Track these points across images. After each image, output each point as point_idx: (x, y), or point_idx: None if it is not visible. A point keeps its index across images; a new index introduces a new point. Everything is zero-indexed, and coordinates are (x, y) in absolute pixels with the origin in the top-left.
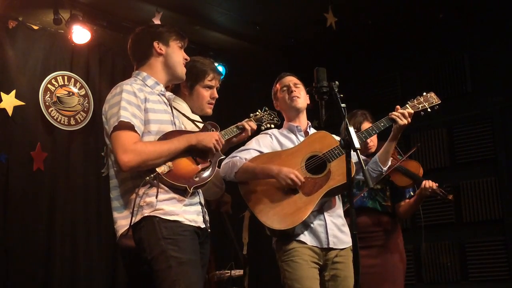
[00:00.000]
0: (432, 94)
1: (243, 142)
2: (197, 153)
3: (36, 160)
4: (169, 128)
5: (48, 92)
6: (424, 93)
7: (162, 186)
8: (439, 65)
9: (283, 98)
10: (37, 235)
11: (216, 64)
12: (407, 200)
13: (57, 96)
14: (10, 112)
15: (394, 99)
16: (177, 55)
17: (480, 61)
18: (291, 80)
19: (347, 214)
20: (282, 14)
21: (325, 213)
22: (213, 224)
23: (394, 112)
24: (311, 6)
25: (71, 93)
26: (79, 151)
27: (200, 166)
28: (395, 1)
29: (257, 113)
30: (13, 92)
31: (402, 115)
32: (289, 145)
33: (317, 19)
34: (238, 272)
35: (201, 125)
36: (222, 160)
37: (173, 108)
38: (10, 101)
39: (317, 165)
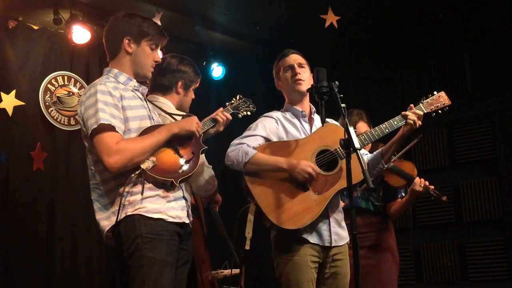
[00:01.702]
0: (443, 94)
1: (222, 133)
2: (180, 144)
3: (36, 160)
4: (148, 123)
5: (48, 92)
6: (435, 93)
7: (147, 183)
8: (439, 65)
9: (286, 79)
10: (37, 235)
11: (217, 64)
12: (398, 200)
13: (57, 96)
14: (10, 112)
15: (394, 99)
16: (146, 57)
17: (480, 61)
18: (295, 59)
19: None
20: (282, 14)
21: (329, 211)
22: (209, 224)
23: (409, 114)
24: (311, 6)
25: (71, 93)
26: (79, 151)
27: (184, 158)
28: (395, 1)
29: (233, 101)
30: (13, 92)
31: (416, 117)
32: (294, 131)
33: (317, 19)
34: (233, 271)
35: (179, 118)
36: (204, 150)
37: (147, 102)
38: (10, 101)
39: (328, 161)
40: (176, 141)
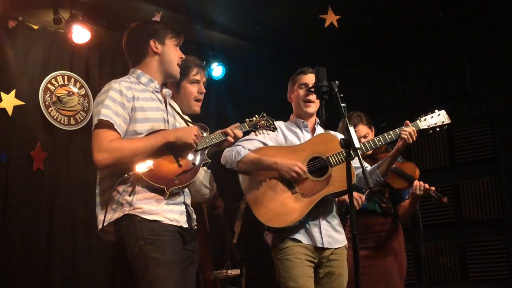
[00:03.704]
0: (443, 113)
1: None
2: (182, 153)
3: (36, 160)
4: (162, 126)
5: (48, 92)
6: (436, 111)
7: (141, 185)
8: (439, 65)
9: (298, 95)
10: (37, 235)
11: (217, 64)
12: (407, 201)
13: (57, 96)
14: (10, 112)
15: (394, 99)
16: (173, 53)
17: (480, 61)
18: (312, 79)
19: (346, 213)
20: (282, 14)
21: (320, 214)
22: (211, 223)
23: (404, 130)
24: (311, 6)
25: (71, 93)
26: (79, 151)
27: (182, 168)
28: (395, 1)
29: (253, 118)
30: (13, 92)
31: (410, 134)
32: (294, 139)
33: (317, 19)
34: (235, 271)
35: (190, 125)
36: (207, 163)
37: (168, 105)
38: (10, 101)
39: (319, 167)
40: (178, 150)
